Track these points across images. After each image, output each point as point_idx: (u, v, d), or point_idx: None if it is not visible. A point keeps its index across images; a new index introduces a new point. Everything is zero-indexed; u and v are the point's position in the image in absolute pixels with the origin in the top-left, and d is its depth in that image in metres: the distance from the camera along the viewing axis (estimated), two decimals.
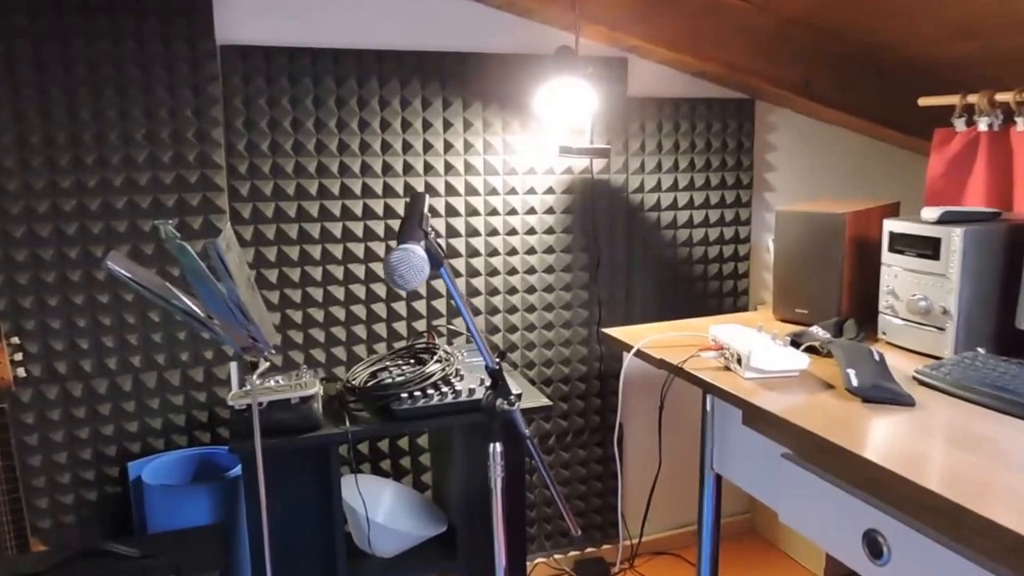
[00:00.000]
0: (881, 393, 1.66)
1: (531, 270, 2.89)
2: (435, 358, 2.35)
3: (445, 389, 2.24)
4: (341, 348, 2.70)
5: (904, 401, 1.65)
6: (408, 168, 2.69)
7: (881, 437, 1.49)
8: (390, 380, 2.27)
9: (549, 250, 2.91)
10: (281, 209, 2.57)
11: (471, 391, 2.23)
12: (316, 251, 2.62)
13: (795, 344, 2.01)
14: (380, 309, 2.72)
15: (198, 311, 1.61)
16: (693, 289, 3.15)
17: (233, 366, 2.59)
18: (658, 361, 2.17)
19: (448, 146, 2.72)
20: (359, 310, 2.70)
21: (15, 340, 2.26)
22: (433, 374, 2.28)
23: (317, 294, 2.64)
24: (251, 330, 1.65)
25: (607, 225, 2.97)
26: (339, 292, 2.66)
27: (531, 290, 2.90)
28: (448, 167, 2.73)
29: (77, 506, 2.49)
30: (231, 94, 2.47)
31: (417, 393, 2.20)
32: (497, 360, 1.71)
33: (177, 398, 2.54)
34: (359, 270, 2.68)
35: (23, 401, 2.39)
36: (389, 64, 2.61)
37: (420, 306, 2.77)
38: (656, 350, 2.14)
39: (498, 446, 1.67)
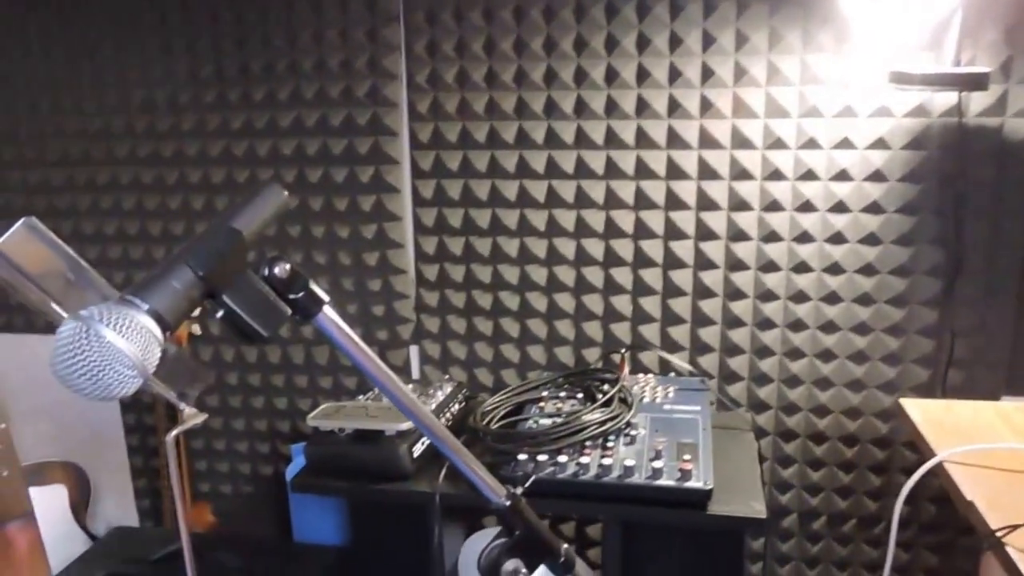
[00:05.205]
0: None
1: (834, 268, 1.85)
2: (605, 399, 1.57)
3: (591, 455, 1.46)
4: (539, 348, 2.03)
5: None
6: (643, 107, 1.84)
7: None
8: (531, 424, 1.57)
9: (870, 239, 1.82)
10: (469, 161, 1.96)
11: (626, 468, 1.42)
12: (512, 217, 1.96)
13: None
14: (594, 302, 1.97)
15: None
16: None
17: (413, 351, 2.13)
18: (965, 504, 1.13)
19: (707, 73, 1.80)
20: (565, 301, 1.98)
21: None
22: (588, 425, 1.51)
23: (511, 274, 2.00)
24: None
25: (985, 205, 1.75)
26: (540, 275, 1.98)
27: (832, 299, 1.86)
28: (705, 106, 1.82)
29: (254, 479, 2.30)
30: (411, 7, 1.89)
31: (543, 457, 1.46)
32: (510, 492, 0.92)
33: (350, 379, 2.16)
34: (567, 246, 1.95)
35: (203, 360, 2.23)
36: None
37: (651, 304, 1.95)
38: (980, 476, 1.10)
39: None
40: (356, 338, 0.83)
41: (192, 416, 1.22)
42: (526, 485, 0.98)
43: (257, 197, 0.82)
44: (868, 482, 1.94)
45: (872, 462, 1.93)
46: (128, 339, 0.66)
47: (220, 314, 0.75)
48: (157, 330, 0.69)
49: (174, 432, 1.25)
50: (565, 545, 0.99)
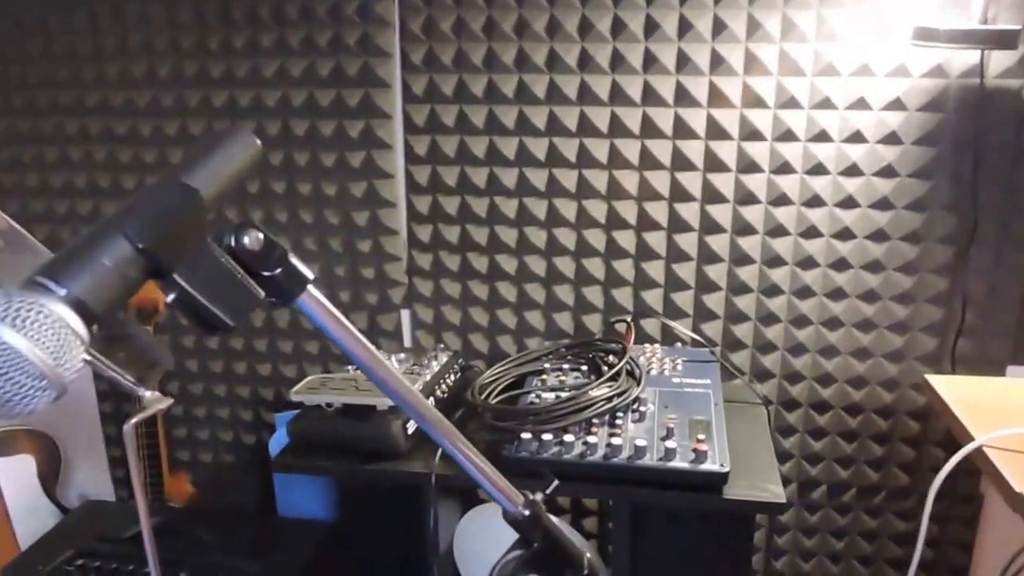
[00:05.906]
0: None
1: (845, 234, 1.78)
2: (612, 372, 1.50)
3: (598, 433, 1.39)
4: (537, 313, 1.95)
5: None
6: (651, 61, 1.75)
7: None
8: (533, 399, 1.50)
9: (882, 204, 1.76)
10: (465, 116, 1.85)
11: (637, 449, 1.35)
12: (511, 176, 1.87)
13: None
14: (595, 266, 1.90)
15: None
16: None
17: (404, 315, 2.04)
18: (1013, 495, 1.07)
19: (719, 27, 1.71)
20: (565, 264, 1.90)
21: None
22: (595, 401, 1.43)
23: (509, 235, 1.91)
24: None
25: (1002, 170, 1.70)
26: (539, 237, 1.90)
27: (841, 265, 1.80)
28: (716, 62, 1.73)
29: (235, 447, 2.21)
30: None
31: (548, 436, 1.39)
32: (530, 499, 0.84)
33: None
34: (567, 207, 1.87)
35: (182, 324, 2.12)
36: None
37: (655, 269, 1.88)
38: (1019, 462, 1.05)
39: None
40: (348, 323, 0.71)
41: (154, 401, 1.10)
42: (547, 492, 0.88)
43: (221, 147, 0.66)
44: (870, 452, 1.90)
45: (875, 432, 1.89)
46: (33, 338, 0.50)
47: (172, 297, 0.59)
48: (78, 323, 0.53)
49: (132, 420, 1.13)
50: (588, 554, 0.92)
